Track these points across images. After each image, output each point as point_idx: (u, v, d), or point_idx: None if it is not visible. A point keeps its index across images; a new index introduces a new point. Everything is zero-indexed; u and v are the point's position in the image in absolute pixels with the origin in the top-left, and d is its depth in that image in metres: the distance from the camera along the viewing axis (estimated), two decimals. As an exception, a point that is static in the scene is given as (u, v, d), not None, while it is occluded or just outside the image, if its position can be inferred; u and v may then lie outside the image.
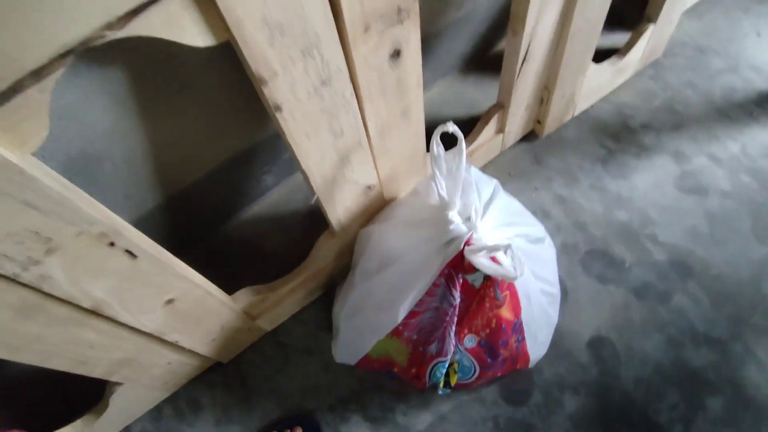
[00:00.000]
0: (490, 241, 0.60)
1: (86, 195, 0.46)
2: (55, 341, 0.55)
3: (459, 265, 0.61)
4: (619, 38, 1.10)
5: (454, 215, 0.63)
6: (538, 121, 1.00)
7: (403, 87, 0.61)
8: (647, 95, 1.10)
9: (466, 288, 0.65)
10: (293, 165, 0.99)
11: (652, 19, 0.98)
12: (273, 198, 1.04)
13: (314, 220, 0.84)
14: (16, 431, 0.71)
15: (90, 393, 0.78)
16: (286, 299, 0.84)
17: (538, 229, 0.75)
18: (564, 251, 0.94)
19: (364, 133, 0.63)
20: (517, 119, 0.94)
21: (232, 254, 0.98)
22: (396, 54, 0.56)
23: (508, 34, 0.73)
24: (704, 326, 0.86)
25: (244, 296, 0.78)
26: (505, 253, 0.52)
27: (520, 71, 0.78)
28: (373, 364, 0.74)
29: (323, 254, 0.82)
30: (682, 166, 1.00)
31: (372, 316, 0.68)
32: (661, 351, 0.85)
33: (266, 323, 0.86)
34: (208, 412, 0.86)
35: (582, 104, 1.04)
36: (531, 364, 0.80)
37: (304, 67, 0.49)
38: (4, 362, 0.54)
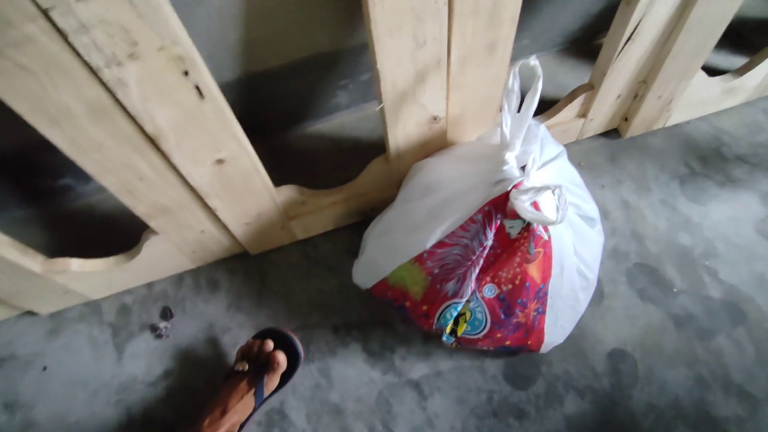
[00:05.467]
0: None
1: (176, 15, 0.49)
2: (113, 157, 0.59)
3: (501, 205, 0.60)
4: (739, 62, 1.02)
5: (510, 157, 0.61)
6: (626, 119, 0.95)
7: (497, 16, 0.60)
8: (753, 128, 1.01)
9: (500, 235, 0.63)
10: (368, 91, 1.00)
11: (785, 46, 0.90)
12: (340, 120, 1.05)
13: (374, 153, 0.84)
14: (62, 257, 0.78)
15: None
16: (325, 211, 0.85)
17: (592, 208, 0.71)
18: (613, 256, 0.89)
19: (446, 54, 0.62)
20: (604, 108, 0.90)
21: (286, 162, 1.00)
22: (501, -26, 0.56)
23: (621, 3, 0.70)
24: (741, 377, 0.79)
25: (287, 192, 0.80)
26: (554, 193, 0.50)
27: (622, 49, 0.74)
28: (387, 291, 0.74)
29: (371, 178, 0.83)
30: (769, 209, 0.92)
31: (402, 237, 0.67)
32: (685, 387, 0.79)
33: (300, 230, 0.88)
34: (223, 294, 0.89)
35: (678, 115, 0.97)
36: (543, 349, 0.77)
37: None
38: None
